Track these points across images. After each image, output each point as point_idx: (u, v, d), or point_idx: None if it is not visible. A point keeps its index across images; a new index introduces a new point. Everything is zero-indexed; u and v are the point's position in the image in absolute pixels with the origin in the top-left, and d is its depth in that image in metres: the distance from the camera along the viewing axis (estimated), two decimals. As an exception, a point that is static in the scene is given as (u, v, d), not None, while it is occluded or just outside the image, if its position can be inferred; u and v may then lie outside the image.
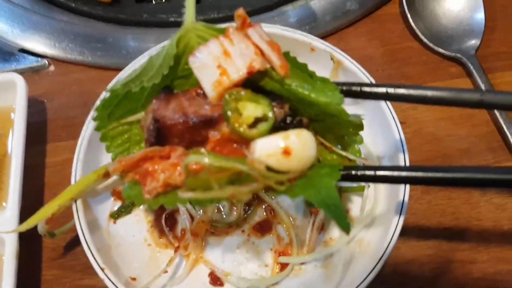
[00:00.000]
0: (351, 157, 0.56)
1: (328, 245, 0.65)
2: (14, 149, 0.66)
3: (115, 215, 0.66)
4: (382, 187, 0.65)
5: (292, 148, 0.45)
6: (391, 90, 0.48)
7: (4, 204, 0.66)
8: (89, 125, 0.65)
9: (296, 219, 0.67)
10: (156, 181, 0.47)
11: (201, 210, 0.66)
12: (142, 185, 0.47)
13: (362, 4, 0.81)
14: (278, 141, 0.44)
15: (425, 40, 0.78)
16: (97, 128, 0.56)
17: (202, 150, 0.45)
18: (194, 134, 0.49)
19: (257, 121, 0.46)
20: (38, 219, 0.57)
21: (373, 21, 0.82)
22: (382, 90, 0.49)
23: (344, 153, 0.55)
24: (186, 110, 0.48)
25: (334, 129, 0.53)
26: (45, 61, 0.80)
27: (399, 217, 0.58)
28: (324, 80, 0.49)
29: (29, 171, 0.69)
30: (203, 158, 0.43)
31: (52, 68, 0.81)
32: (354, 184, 0.66)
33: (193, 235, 0.64)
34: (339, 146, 0.56)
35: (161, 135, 0.49)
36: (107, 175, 0.63)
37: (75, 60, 0.80)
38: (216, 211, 0.67)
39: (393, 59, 0.79)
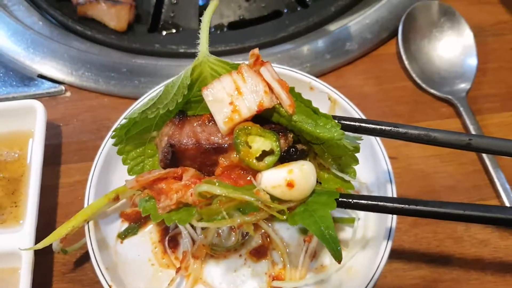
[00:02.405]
0: (347, 178, 0.64)
1: (320, 271, 0.73)
2: (32, 171, 0.75)
3: (122, 236, 0.75)
4: (372, 218, 0.73)
5: (295, 181, 0.55)
6: (387, 128, 0.58)
7: (21, 221, 0.76)
8: (101, 153, 0.74)
9: (290, 246, 0.75)
10: (169, 199, 0.56)
11: (202, 235, 0.74)
12: (157, 200, 0.57)
13: (361, 45, 0.90)
14: (283, 174, 0.55)
15: (418, 81, 0.88)
16: (115, 144, 0.64)
17: (214, 180, 0.55)
18: (205, 158, 0.59)
19: (264, 153, 0.56)
20: (54, 239, 0.67)
21: (370, 60, 0.92)
22: (378, 127, 0.58)
23: (340, 174, 0.63)
24: (199, 137, 0.58)
25: (333, 151, 0.61)
26: (62, 87, 0.90)
27: (387, 243, 0.67)
28: (326, 117, 0.58)
29: (44, 191, 0.78)
30: (215, 188, 0.53)
31: (68, 94, 0.91)
32: (346, 215, 0.75)
33: (194, 257, 0.73)
34: (335, 167, 0.64)
35: (175, 157, 0.59)
36: (116, 199, 0.72)
37: (90, 88, 0.90)
38: (216, 235, 0.75)
39: (387, 98, 0.88)
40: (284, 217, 0.55)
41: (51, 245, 0.72)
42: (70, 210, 0.79)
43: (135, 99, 0.82)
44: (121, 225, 0.76)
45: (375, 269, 0.66)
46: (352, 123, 0.59)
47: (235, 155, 0.57)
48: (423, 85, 0.87)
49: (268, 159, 0.57)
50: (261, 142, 0.57)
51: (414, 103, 0.88)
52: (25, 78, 0.91)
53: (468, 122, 0.83)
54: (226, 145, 0.57)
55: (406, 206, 0.56)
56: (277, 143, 0.56)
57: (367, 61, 0.92)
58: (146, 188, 0.60)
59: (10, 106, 0.82)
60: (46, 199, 0.79)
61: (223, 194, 0.53)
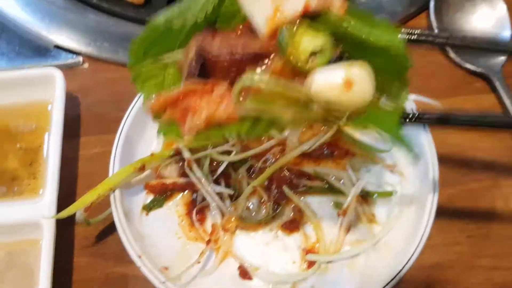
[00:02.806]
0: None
1: (353, 246, 0.70)
2: (52, 141, 0.72)
3: (148, 208, 0.72)
4: (410, 192, 0.71)
5: (354, 80, 0.45)
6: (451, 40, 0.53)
7: (40, 193, 0.72)
8: (127, 121, 0.71)
9: (323, 220, 0.73)
10: (198, 117, 0.47)
11: (232, 207, 0.71)
12: (182, 123, 0.48)
13: (391, 18, 0.88)
14: (339, 72, 0.44)
15: (451, 55, 0.85)
16: (130, 65, 0.55)
17: (259, 70, 0.46)
18: (241, 69, 0.48)
19: (312, 55, 0.46)
20: (78, 207, 0.64)
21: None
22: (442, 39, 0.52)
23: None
24: (233, 44, 0.48)
25: (384, 73, 0.50)
26: (80, 58, 0.87)
27: (428, 220, 0.64)
28: (383, 23, 0.48)
29: (63, 163, 0.74)
30: (261, 79, 0.44)
31: (86, 65, 0.88)
32: (382, 189, 0.72)
33: (223, 230, 0.70)
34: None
35: (204, 70, 0.49)
36: (142, 168, 0.69)
37: (109, 59, 0.87)
38: (245, 208, 0.73)
39: (418, 72, 0.85)
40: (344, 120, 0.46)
41: (72, 217, 0.70)
42: (91, 182, 0.75)
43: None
44: (146, 197, 0.73)
45: (416, 245, 0.64)
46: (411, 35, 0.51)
47: (278, 61, 0.47)
48: (457, 59, 0.85)
49: (320, 58, 0.46)
50: (309, 40, 0.46)
51: (447, 77, 0.85)
52: (41, 49, 0.88)
53: (504, 96, 0.81)
54: (267, 48, 0.47)
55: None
56: (329, 38, 0.46)
57: (396, 34, 0.89)
58: (169, 108, 0.49)
59: (26, 75, 0.79)
60: (65, 171, 0.75)
61: (271, 87, 0.43)
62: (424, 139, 0.69)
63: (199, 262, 0.67)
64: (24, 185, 0.74)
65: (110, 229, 0.73)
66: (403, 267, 0.63)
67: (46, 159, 0.75)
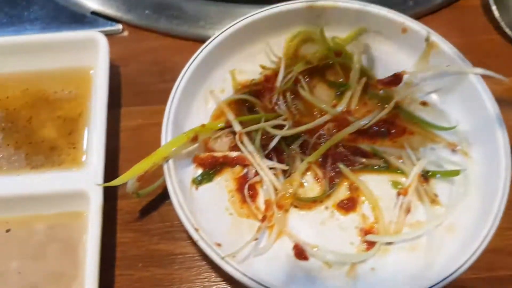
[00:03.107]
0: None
1: (415, 227, 0.66)
2: (96, 109, 0.68)
3: (197, 181, 0.68)
4: (475, 173, 0.67)
5: None
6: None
7: (81, 163, 0.68)
8: (178, 89, 0.67)
9: (381, 199, 0.69)
10: None
11: (286, 183, 0.67)
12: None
13: (445, -6, 0.84)
14: None
15: (509, 32, 0.82)
16: None
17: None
18: None
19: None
20: (132, 175, 0.59)
21: (454, 11, 0.86)
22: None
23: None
24: None
25: None
26: (119, 26, 0.83)
27: (499, 207, 0.60)
28: None
29: (104, 134, 0.70)
30: None
31: (126, 33, 0.83)
32: (447, 168, 0.68)
33: (278, 207, 0.66)
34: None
35: None
36: (195, 139, 0.65)
37: (150, 27, 0.82)
38: (299, 185, 0.68)
39: (473, 51, 0.81)
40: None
41: (115, 190, 0.66)
42: (133, 155, 0.71)
43: (201, 41, 0.75)
44: (195, 171, 0.69)
45: (488, 229, 0.60)
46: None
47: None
48: (515, 38, 0.81)
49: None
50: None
51: (503, 56, 0.82)
52: (77, 15, 0.84)
53: None
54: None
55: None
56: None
57: (449, 11, 0.86)
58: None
59: (66, 38, 0.74)
60: (106, 142, 0.71)
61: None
62: (494, 117, 0.65)
63: (256, 239, 0.63)
64: (64, 155, 0.69)
65: (155, 203, 0.70)
66: (474, 252, 0.59)
67: (87, 128, 0.70)
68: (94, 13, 0.84)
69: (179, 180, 0.64)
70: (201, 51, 0.70)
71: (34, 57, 0.74)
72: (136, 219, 0.68)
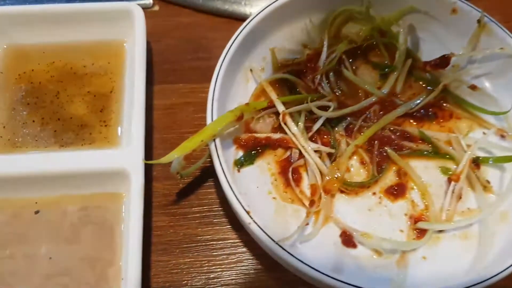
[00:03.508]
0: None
1: (467, 215, 0.63)
2: (135, 85, 0.63)
3: (239, 163, 0.64)
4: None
5: None
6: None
7: (115, 142, 0.63)
8: (221, 67, 0.62)
9: (430, 186, 0.65)
10: None
11: (334, 167, 0.63)
12: None
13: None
14: None
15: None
16: None
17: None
18: None
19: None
20: (180, 153, 0.55)
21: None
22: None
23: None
24: None
25: None
26: (150, 0, 0.78)
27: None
28: None
29: (136, 112, 0.65)
30: None
31: (156, 8, 0.78)
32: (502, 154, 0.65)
33: (324, 192, 0.62)
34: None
35: None
36: (241, 117, 0.61)
37: (182, 2, 0.78)
38: (346, 169, 0.65)
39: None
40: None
41: (149, 172, 0.61)
42: (168, 134, 0.67)
43: (236, 18, 0.70)
44: (235, 153, 0.64)
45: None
46: None
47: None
48: None
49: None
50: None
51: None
52: (104, -13, 0.78)
53: None
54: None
55: None
56: None
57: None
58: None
59: (97, 9, 0.69)
60: (140, 121, 0.66)
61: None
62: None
63: (307, 224, 0.59)
64: (95, 132, 0.65)
65: (192, 186, 0.65)
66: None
67: (121, 105, 0.65)
68: (122, -15, 0.78)
69: (223, 161, 0.59)
70: (244, 27, 0.65)
71: (61, 28, 0.69)
72: (172, 202, 0.64)
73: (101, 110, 0.66)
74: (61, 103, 0.66)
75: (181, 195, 0.65)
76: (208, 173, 0.66)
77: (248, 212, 0.54)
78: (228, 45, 0.64)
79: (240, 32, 0.65)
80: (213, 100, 0.60)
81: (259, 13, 0.67)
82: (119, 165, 0.58)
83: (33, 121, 0.65)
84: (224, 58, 0.63)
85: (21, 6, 0.71)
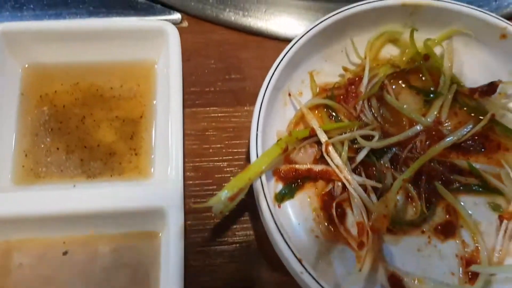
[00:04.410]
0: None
1: (520, 257, 0.59)
2: (170, 110, 0.58)
3: (280, 198, 0.59)
4: None
5: None
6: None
7: (151, 171, 0.57)
8: (265, 96, 0.57)
9: (480, 224, 0.60)
10: None
11: (381, 203, 0.58)
12: None
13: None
14: None
15: None
16: None
17: None
18: None
19: None
20: (229, 193, 0.50)
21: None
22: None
23: None
24: None
25: None
26: (178, 15, 0.72)
27: None
28: None
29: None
30: None
31: (185, 24, 0.73)
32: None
33: (372, 231, 0.57)
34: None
35: None
36: (286, 149, 0.56)
37: (213, 18, 0.72)
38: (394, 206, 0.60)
39: None
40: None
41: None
42: (200, 163, 0.62)
43: (272, 38, 0.65)
44: (275, 185, 0.59)
45: None
46: None
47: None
48: None
49: None
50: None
51: None
52: (130, 2, 0.72)
53: None
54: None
55: None
56: None
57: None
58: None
59: (126, 27, 0.64)
60: (169, 148, 0.61)
61: None
62: None
63: (360, 270, 0.53)
64: (125, 162, 0.59)
65: (227, 222, 0.60)
66: None
67: (151, 131, 0.60)
68: (149, -1, 0.72)
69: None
70: (287, 52, 0.60)
71: (86, 46, 0.63)
72: (206, 241, 0.59)
73: (131, 137, 0.60)
74: (87, 128, 0.61)
75: (217, 231, 0.60)
76: (244, 206, 0.60)
77: (300, 260, 0.49)
78: (271, 71, 0.59)
79: (284, 56, 0.60)
80: (257, 132, 0.55)
81: (302, 36, 0.61)
82: (156, 202, 0.52)
83: (58, 148, 0.59)
84: (267, 86, 0.58)
85: (42, 22, 0.65)
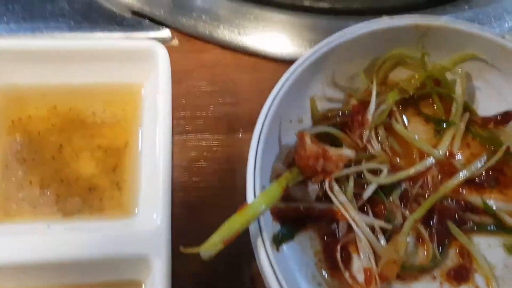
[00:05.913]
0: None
1: (539, 305, 0.53)
2: (158, 139, 0.51)
3: (278, 240, 0.52)
4: None
5: None
6: None
7: (135, 210, 0.50)
8: (263, 127, 0.50)
9: (495, 268, 0.54)
10: None
11: (391, 246, 0.52)
12: None
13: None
14: None
15: None
16: None
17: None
18: None
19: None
20: (222, 238, 0.43)
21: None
22: None
23: None
24: None
25: None
26: (168, 32, 0.65)
27: None
28: None
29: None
30: None
31: (175, 42, 0.66)
32: None
33: (381, 278, 0.51)
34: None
35: None
36: (287, 188, 0.49)
37: (206, 36, 0.65)
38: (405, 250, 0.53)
39: None
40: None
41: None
42: (189, 198, 0.55)
43: (269, 59, 0.59)
44: (274, 226, 0.52)
45: None
46: None
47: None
48: None
49: None
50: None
51: None
52: (114, 15, 0.65)
53: None
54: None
55: None
56: None
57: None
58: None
59: (111, 47, 0.56)
60: (156, 181, 0.54)
61: None
62: None
63: (370, 327, 0.47)
64: (106, 198, 0.52)
65: (218, 265, 0.53)
66: None
67: (136, 163, 0.53)
68: (136, 13, 0.65)
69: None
70: (288, 78, 0.54)
71: (66, 66, 0.56)
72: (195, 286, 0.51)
73: (114, 169, 0.53)
74: (64, 159, 0.54)
75: (208, 277, 0.52)
76: (238, 247, 0.54)
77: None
78: (270, 99, 0.52)
79: (284, 83, 0.53)
80: (254, 171, 0.48)
81: (305, 60, 0.55)
82: (140, 248, 0.46)
83: (31, 182, 0.52)
84: (266, 116, 0.51)
85: (16, 38, 0.57)
